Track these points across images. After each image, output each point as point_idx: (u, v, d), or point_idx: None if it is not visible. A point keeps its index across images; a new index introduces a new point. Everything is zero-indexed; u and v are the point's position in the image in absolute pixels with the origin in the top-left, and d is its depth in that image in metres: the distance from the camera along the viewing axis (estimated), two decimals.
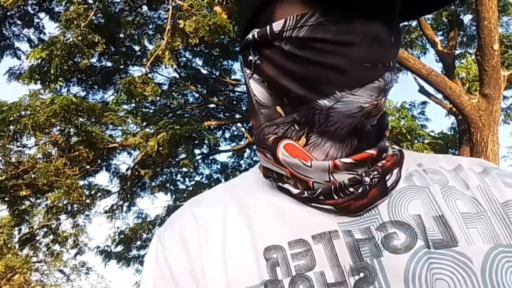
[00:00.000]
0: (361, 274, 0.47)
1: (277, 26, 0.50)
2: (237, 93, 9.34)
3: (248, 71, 0.54)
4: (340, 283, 0.47)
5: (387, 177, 0.52)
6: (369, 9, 0.47)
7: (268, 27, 0.51)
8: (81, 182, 7.67)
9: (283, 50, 0.50)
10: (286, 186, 0.54)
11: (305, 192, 0.52)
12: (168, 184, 9.32)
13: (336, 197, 0.51)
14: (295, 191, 0.53)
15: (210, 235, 0.53)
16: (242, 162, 9.95)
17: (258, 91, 0.54)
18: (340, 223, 0.51)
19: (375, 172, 0.51)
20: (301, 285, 0.47)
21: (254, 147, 9.64)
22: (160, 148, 6.63)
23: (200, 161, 9.26)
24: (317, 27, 0.48)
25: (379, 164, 0.52)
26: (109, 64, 7.86)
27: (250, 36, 0.53)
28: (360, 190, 0.50)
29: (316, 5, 0.48)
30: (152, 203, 12.40)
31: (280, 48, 0.50)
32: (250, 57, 0.54)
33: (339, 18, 0.47)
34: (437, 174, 0.57)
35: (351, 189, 0.51)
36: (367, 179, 0.50)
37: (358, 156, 0.51)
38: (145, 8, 7.29)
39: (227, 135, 9.61)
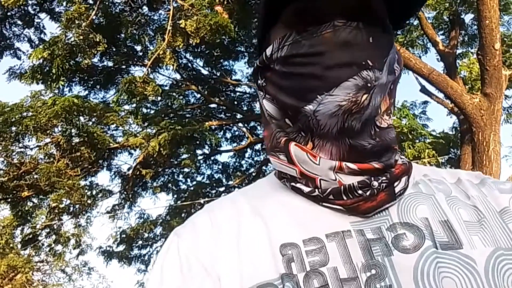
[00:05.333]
0: (373, 271, 0.50)
1: (268, 51, 0.58)
2: (238, 93, 9.35)
3: (261, 93, 0.61)
4: (352, 279, 0.49)
5: (396, 183, 0.56)
6: (338, 20, 0.53)
7: (263, 53, 0.59)
8: (83, 183, 7.69)
9: (275, 70, 0.57)
10: (298, 185, 0.58)
11: (316, 190, 0.56)
12: (169, 184, 9.33)
13: (345, 198, 0.54)
14: (306, 189, 0.56)
15: (224, 233, 0.56)
16: (243, 162, 9.96)
17: (270, 107, 0.59)
18: (352, 222, 0.54)
19: (384, 178, 0.55)
20: (315, 279, 0.49)
21: (256, 147, 9.64)
22: (162, 149, 6.64)
23: (201, 161, 9.26)
24: (294, 45, 0.55)
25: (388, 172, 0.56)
26: (110, 64, 7.87)
27: (256, 63, 0.61)
28: (368, 193, 0.54)
29: (293, 26, 0.55)
30: (154, 203, 12.45)
31: (274, 69, 0.57)
32: (259, 81, 0.61)
33: (311, 33, 0.54)
34: (441, 184, 0.61)
35: (359, 192, 0.54)
36: (375, 183, 0.54)
37: (363, 166, 0.54)
38: (145, 8, 7.30)
39: (228, 135, 9.62)
